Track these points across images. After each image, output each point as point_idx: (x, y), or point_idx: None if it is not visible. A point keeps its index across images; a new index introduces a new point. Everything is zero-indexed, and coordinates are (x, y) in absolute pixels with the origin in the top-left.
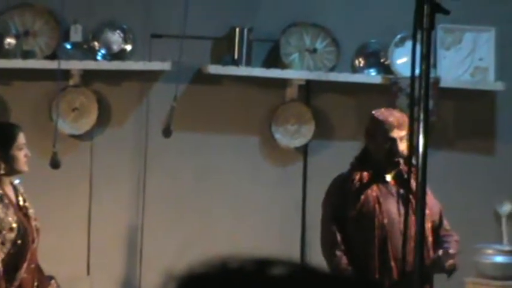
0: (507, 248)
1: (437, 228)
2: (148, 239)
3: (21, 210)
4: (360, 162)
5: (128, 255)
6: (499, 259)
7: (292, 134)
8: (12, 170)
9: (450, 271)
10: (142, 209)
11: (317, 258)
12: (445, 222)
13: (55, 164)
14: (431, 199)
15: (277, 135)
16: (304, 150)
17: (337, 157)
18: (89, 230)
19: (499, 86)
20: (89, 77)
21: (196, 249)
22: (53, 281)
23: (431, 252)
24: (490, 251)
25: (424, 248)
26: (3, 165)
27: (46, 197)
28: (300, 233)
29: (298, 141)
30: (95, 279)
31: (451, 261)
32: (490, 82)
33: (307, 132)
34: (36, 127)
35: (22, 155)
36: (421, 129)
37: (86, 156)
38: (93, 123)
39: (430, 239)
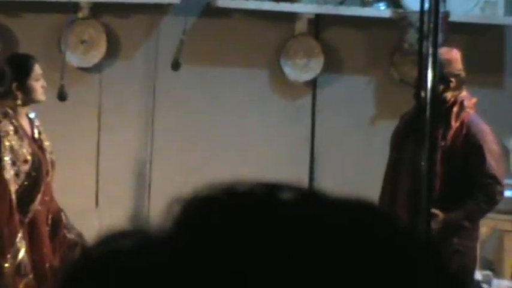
0: None
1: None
2: (156, 172)
3: (36, 143)
4: None
5: (136, 187)
6: (508, 193)
7: (301, 68)
8: (29, 100)
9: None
10: (151, 141)
11: None
12: (487, 166)
13: (62, 97)
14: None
15: (286, 69)
16: (313, 84)
17: (346, 91)
18: (98, 162)
19: (508, 20)
20: (97, 9)
21: (203, 182)
22: (61, 214)
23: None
24: None
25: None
26: (20, 96)
27: (54, 129)
28: (308, 167)
29: (307, 75)
30: (103, 212)
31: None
32: (500, 16)
33: (316, 66)
34: (45, 59)
35: (39, 85)
36: (429, 64)
37: (94, 89)
38: (102, 56)
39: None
